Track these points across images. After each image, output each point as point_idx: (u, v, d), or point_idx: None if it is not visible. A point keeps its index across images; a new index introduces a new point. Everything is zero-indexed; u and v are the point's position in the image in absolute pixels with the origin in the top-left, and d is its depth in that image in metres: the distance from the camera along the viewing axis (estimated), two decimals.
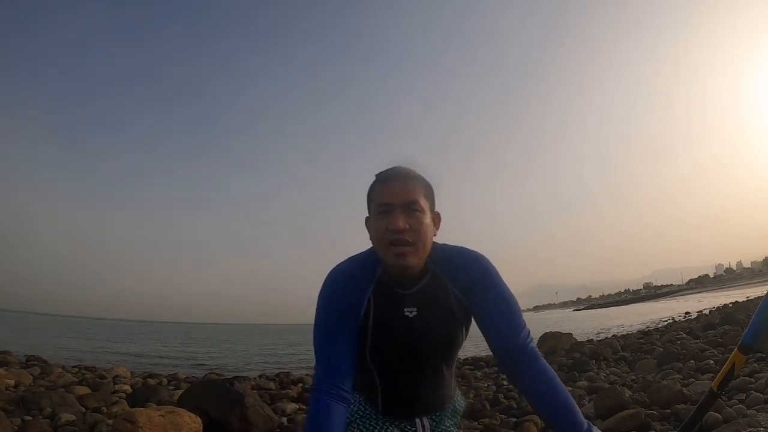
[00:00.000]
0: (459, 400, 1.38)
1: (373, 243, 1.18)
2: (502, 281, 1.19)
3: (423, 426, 1.27)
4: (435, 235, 1.19)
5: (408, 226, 1.11)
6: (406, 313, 1.17)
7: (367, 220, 1.20)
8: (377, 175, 1.19)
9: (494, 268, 1.20)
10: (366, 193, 1.21)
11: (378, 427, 1.27)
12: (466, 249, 1.22)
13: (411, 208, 1.12)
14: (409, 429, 1.28)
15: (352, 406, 1.23)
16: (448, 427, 1.32)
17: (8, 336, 23.90)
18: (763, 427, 2.81)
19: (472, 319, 1.22)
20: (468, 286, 1.17)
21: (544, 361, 1.16)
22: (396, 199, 1.12)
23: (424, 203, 1.14)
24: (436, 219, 1.20)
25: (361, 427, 1.26)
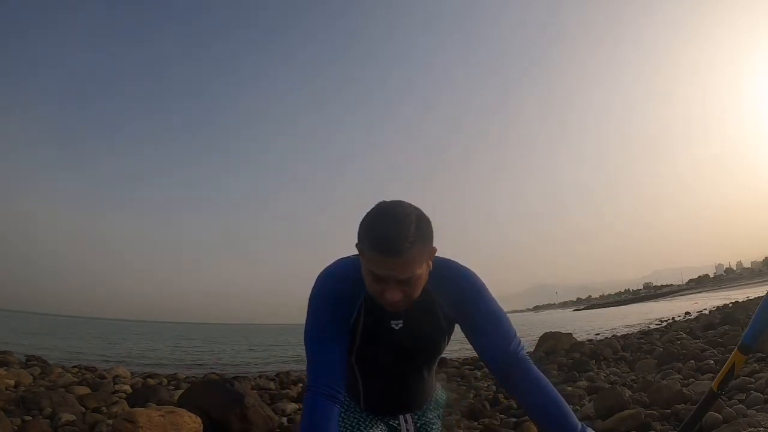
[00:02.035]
0: (440, 394, 1.42)
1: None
2: (490, 294, 1.19)
3: (406, 420, 1.33)
4: (430, 268, 1.13)
5: (403, 295, 1.07)
6: (393, 325, 1.18)
7: (358, 247, 1.10)
8: (371, 233, 1.04)
9: (481, 281, 1.20)
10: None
11: (363, 420, 1.31)
12: (453, 263, 1.22)
13: (408, 282, 1.06)
14: (393, 422, 1.33)
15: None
16: (431, 419, 1.37)
17: (8, 336, 23.89)
18: (763, 427, 2.81)
19: (461, 330, 1.22)
20: (456, 300, 1.17)
21: (536, 367, 1.15)
22: (393, 273, 1.04)
23: (420, 269, 1.06)
24: (432, 253, 1.11)
25: (346, 420, 1.30)
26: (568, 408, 1.10)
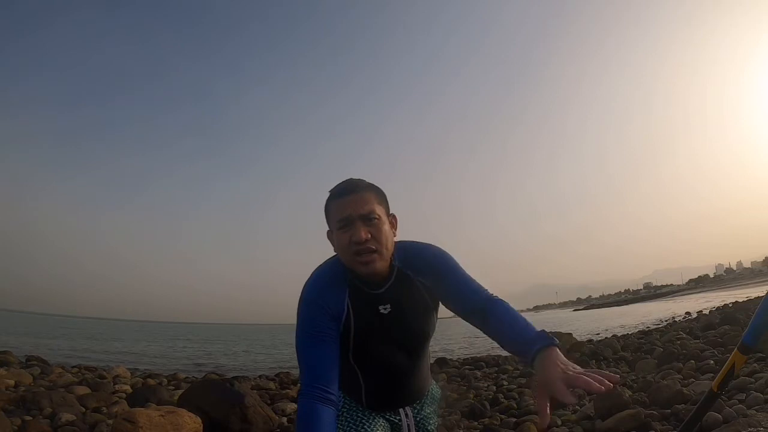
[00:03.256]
0: (435, 389, 1.49)
1: (339, 255, 1.24)
2: (456, 261, 1.28)
3: (406, 414, 1.37)
4: (395, 236, 1.26)
5: (369, 236, 1.17)
6: (381, 311, 1.25)
7: (329, 234, 1.26)
8: (331, 191, 1.24)
9: (447, 253, 1.30)
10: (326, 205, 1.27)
11: (364, 418, 1.34)
12: (417, 242, 1.32)
13: (369, 218, 1.18)
14: (393, 417, 1.37)
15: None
16: (428, 414, 1.42)
17: (8, 336, 23.90)
18: (763, 427, 2.81)
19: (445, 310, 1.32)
20: (428, 270, 1.26)
21: (507, 303, 1.21)
22: (353, 211, 1.18)
23: (379, 210, 1.21)
24: (393, 221, 1.28)
25: (348, 418, 1.33)
26: (529, 325, 1.12)
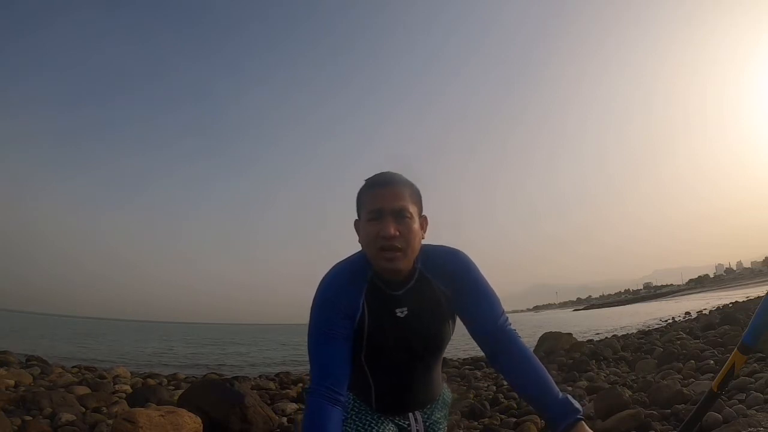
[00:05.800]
0: (447, 393, 1.45)
1: (363, 247, 1.22)
2: (480, 273, 1.26)
3: (416, 419, 1.34)
4: (423, 238, 1.23)
5: (398, 233, 1.15)
6: (398, 314, 1.22)
7: (356, 223, 1.24)
8: (367, 181, 1.22)
9: (472, 261, 1.27)
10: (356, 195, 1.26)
11: (373, 422, 1.31)
12: (446, 246, 1.29)
13: (401, 215, 1.16)
14: (402, 422, 1.34)
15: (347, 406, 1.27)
16: (438, 419, 1.39)
17: (8, 336, 23.90)
18: (763, 427, 2.81)
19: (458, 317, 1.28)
20: (450, 279, 1.23)
21: (522, 341, 1.21)
22: (386, 205, 1.16)
23: (412, 209, 1.19)
24: (424, 223, 1.24)
25: (356, 421, 1.30)
26: (551, 379, 1.14)
